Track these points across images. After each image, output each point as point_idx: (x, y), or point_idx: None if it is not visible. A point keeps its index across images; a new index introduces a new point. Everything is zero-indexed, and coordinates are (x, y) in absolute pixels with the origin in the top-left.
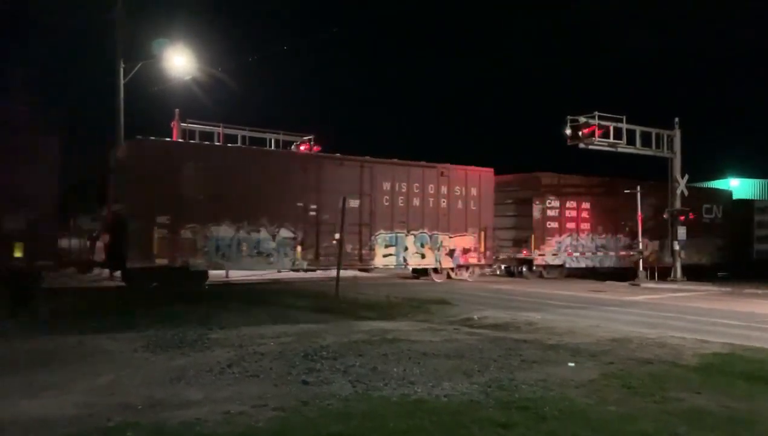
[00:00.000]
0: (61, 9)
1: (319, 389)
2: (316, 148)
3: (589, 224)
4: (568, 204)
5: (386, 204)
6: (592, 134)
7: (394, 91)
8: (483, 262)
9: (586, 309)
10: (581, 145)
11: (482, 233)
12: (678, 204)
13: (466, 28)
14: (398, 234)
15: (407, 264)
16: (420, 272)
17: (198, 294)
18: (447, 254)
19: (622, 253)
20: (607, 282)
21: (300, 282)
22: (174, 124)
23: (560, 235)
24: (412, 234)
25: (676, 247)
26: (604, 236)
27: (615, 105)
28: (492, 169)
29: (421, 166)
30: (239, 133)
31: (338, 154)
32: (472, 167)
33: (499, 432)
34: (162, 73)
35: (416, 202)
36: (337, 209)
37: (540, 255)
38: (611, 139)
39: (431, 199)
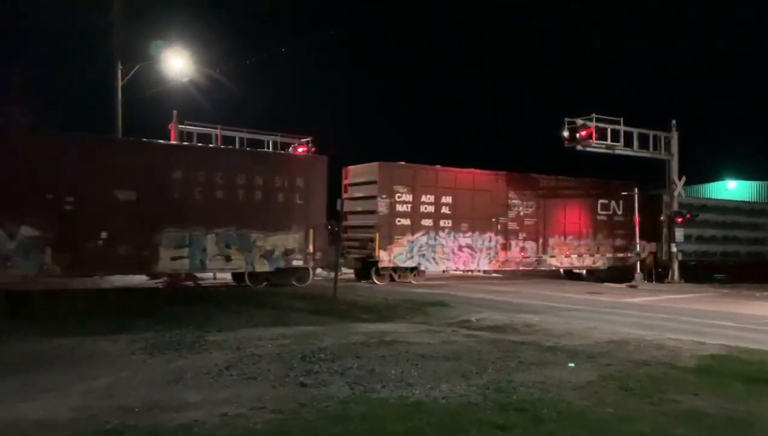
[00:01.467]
0: (59, 11)
1: (317, 391)
2: (314, 150)
3: (450, 221)
4: (424, 198)
5: (177, 197)
6: (590, 136)
7: (394, 92)
8: (311, 264)
9: (584, 311)
10: (579, 148)
11: (310, 232)
12: (676, 205)
13: (464, 29)
14: (193, 233)
15: (207, 268)
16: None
17: (196, 295)
18: (262, 256)
19: (502, 253)
20: (605, 284)
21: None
22: (172, 125)
23: (413, 233)
24: (215, 233)
25: (674, 248)
26: (470, 234)
27: (612, 107)
28: (326, 157)
29: (225, 151)
30: (237, 135)
31: (107, 136)
32: (298, 153)
33: (497, 434)
34: (160, 74)
35: (220, 194)
36: (105, 203)
37: (387, 257)
38: (609, 141)
39: (241, 192)
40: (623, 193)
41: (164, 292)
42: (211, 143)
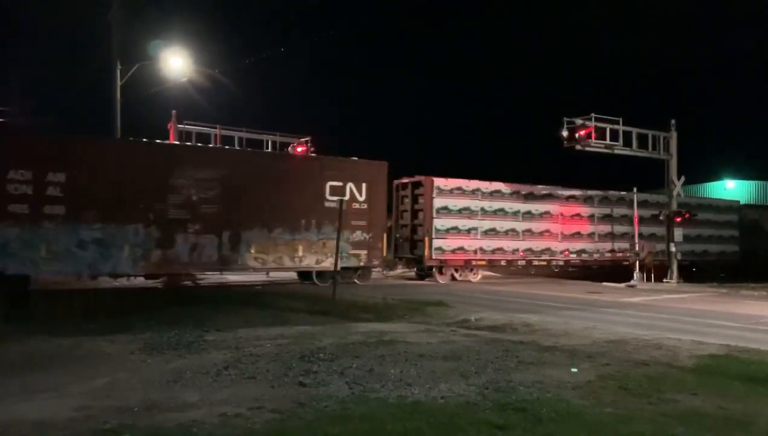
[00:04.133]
0: (57, 10)
1: (315, 390)
2: (312, 150)
3: (65, 208)
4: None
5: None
6: (589, 136)
7: (393, 91)
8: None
9: (583, 311)
10: (577, 147)
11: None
12: (675, 205)
13: (463, 29)
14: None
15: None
16: None
17: (195, 295)
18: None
19: (157, 252)
20: (604, 284)
21: (296, 284)
22: (171, 125)
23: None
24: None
25: (673, 248)
26: (99, 225)
27: (612, 107)
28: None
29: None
30: (236, 134)
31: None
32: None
33: (496, 434)
34: (159, 74)
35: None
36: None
37: None
38: (607, 141)
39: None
40: (370, 173)
41: (163, 292)
42: (210, 143)
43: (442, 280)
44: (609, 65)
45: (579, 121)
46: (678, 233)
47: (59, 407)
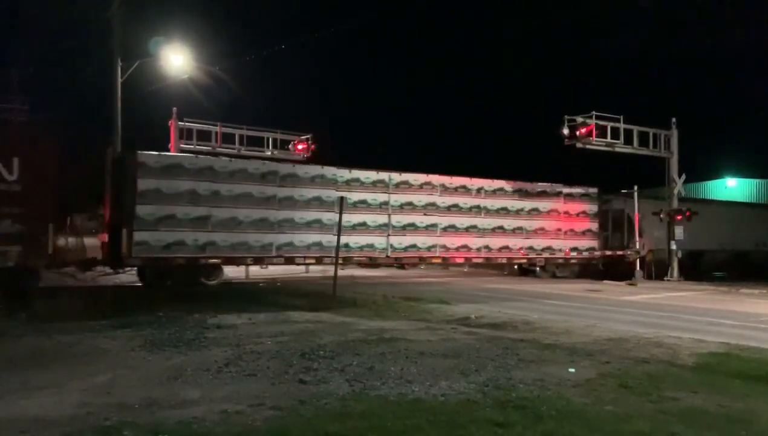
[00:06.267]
0: (58, 7)
1: (316, 388)
2: (313, 147)
3: None
4: None
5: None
6: (590, 134)
7: (393, 91)
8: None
9: (583, 308)
10: (578, 145)
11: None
12: (676, 203)
13: (462, 28)
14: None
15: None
16: None
17: (196, 292)
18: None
19: None
20: (604, 282)
21: (297, 282)
22: (171, 122)
23: None
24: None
25: (673, 246)
26: None
27: (612, 105)
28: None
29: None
30: (237, 132)
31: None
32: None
33: (497, 432)
34: (160, 71)
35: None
36: None
37: None
38: (608, 139)
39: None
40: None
41: (163, 289)
42: (212, 140)
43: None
44: (610, 63)
45: (580, 119)
46: (678, 231)
47: (60, 403)
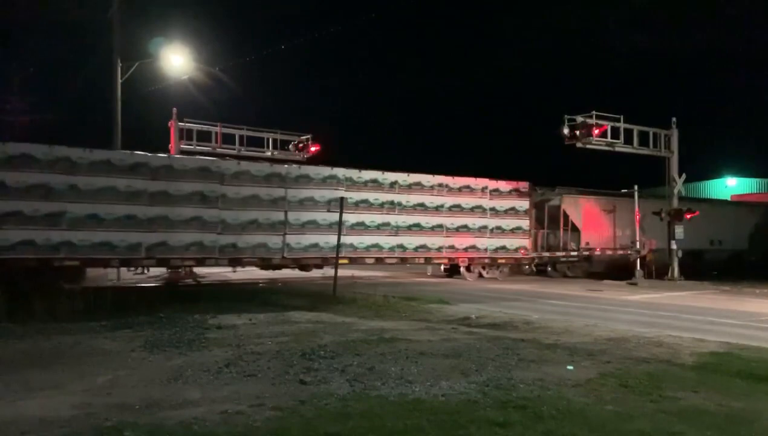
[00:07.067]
0: (59, 8)
1: (316, 388)
2: (313, 147)
3: None
4: None
5: None
6: (590, 134)
7: (393, 90)
8: None
9: (584, 308)
10: (579, 145)
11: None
12: (676, 203)
13: (462, 28)
14: None
15: None
16: None
17: (196, 293)
18: None
19: None
20: (605, 281)
21: (298, 282)
22: (171, 123)
23: None
24: None
25: (674, 246)
26: None
27: (613, 105)
28: None
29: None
30: (237, 132)
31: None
32: None
33: (497, 432)
34: (160, 72)
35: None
36: None
37: None
38: (609, 139)
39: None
40: None
41: (164, 289)
42: (212, 141)
43: None
44: (610, 63)
45: (580, 119)
46: (679, 231)
47: (61, 404)
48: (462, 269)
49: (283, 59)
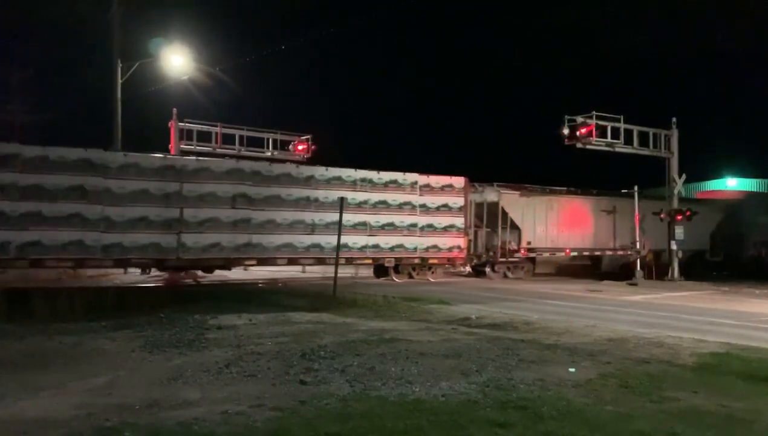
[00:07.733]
0: (58, 8)
1: (316, 388)
2: (313, 148)
3: None
4: None
5: None
6: (590, 134)
7: (393, 90)
8: None
9: (584, 308)
10: (579, 145)
11: None
12: (676, 203)
13: (462, 28)
14: None
15: None
16: None
17: (196, 293)
18: None
19: None
20: (605, 282)
21: (298, 282)
22: (172, 123)
23: None
24: None
25: (674, 246)
26: None
27: (613, 105)
28: None
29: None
30: (237, 132)
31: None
32: None
33: (497, 432)
34: (160, 72)
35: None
36: None
37: None
38: (609, 139)
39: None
40: None
41: (164, 290)
42: (212, 141)
43: None
44: (610, 63)
45: (580, 119)
46: (679, 231)
47: (60, 404)
48: (390, 269)
49: (283, 59)
